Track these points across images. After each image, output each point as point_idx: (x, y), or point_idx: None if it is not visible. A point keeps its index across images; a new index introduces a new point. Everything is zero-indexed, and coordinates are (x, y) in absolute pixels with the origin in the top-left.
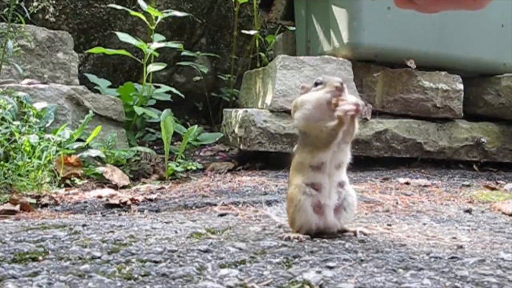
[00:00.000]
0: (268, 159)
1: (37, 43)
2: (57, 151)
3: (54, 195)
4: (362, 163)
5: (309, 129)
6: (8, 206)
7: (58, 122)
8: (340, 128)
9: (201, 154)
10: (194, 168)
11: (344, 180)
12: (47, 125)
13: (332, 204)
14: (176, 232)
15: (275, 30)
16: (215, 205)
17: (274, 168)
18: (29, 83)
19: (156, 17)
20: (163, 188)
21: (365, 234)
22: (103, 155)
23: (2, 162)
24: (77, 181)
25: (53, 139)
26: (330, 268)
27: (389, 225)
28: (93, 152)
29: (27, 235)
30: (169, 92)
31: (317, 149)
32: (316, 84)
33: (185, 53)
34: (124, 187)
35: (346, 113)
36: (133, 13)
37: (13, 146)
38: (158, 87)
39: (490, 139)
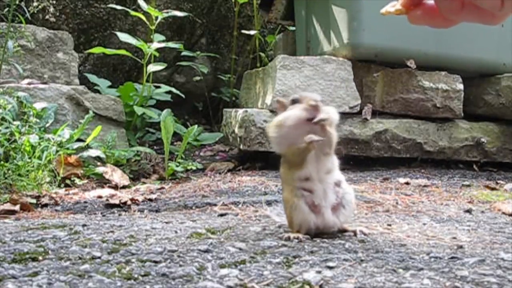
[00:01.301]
0: (268, 159)
1: (37, 43)
2: (57, 151)
3: (54, 195)
4: (362, 163)
5: (281, 151)
6: (8, 206)
7: (58, 122)
8: (306, 153)
9: (201, 154)
10: (194, 168)
11: (340, 179)
12: (47, 125)
13: (328, 204)
14: (176, 232)
15: (275, 30)
16: (215, 205)
17: (274, 168)
18: (29, 83)
19: (156, 17)
20: (163, 188)
21: (365, 234)
22: (103, 155)
23: (2, 162)
24: (77, 181)
25: (53, 139)
26: (330, 268)
27: (389, 225)
28: (93, 152)
29: (27, 235)
30: (169, 92)
31: (294, 167)
32: (293, 101)
33: (185, 53)
34: (124, 187)
35: (312, 142)
36: (133, 13)
37: (13, 146)
38: (158, 87)
39: (490, 139)
